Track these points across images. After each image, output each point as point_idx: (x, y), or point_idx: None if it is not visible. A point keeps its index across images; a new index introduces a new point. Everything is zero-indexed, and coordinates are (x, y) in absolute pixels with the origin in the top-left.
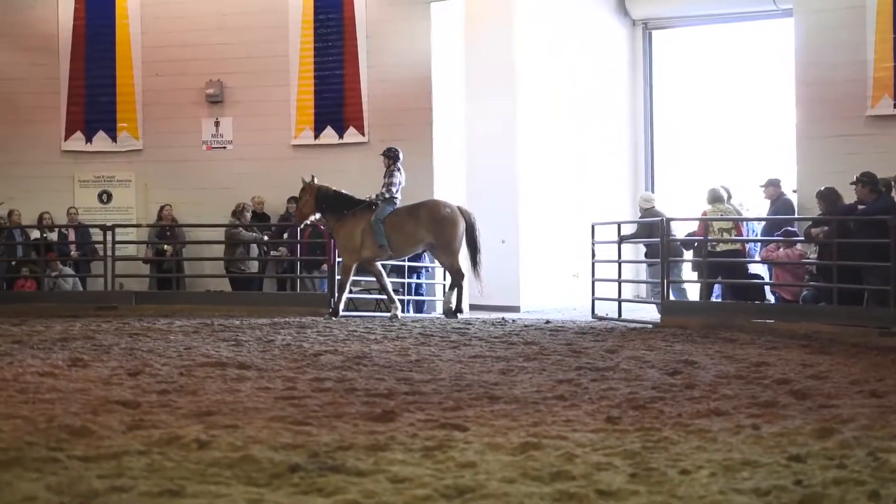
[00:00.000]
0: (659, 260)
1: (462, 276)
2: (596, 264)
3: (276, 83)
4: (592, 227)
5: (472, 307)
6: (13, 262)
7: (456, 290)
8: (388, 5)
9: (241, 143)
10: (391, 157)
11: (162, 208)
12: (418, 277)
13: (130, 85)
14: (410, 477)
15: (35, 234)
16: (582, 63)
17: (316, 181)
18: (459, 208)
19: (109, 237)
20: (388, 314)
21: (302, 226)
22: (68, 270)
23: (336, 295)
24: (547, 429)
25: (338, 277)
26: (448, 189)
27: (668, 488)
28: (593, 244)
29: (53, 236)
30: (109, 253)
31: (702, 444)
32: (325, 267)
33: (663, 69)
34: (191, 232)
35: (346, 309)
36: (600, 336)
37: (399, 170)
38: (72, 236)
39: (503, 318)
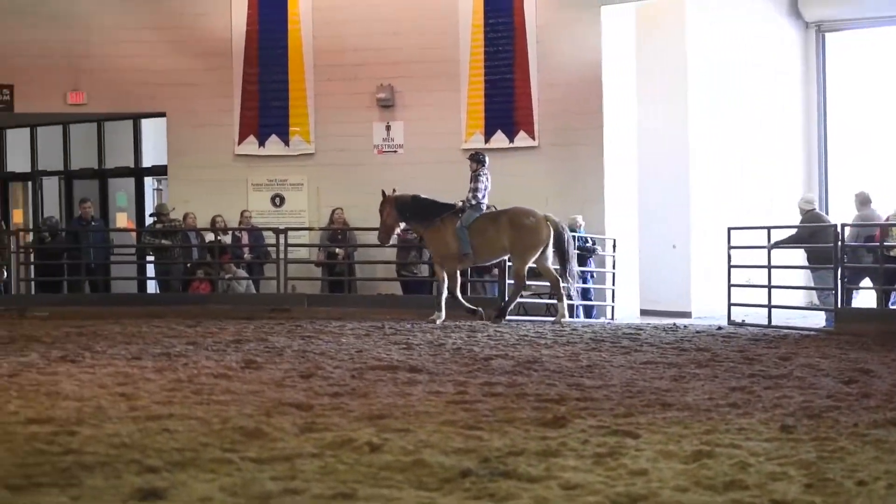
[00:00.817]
0: (829, 265)
1: (524, 285)
2: (733, 269)
3: (446, 87)
4: (728, 231)
5: (643, 312)
6: (188, 265)
7: (511, 296)
8: (559, 9)
9: (412, 146)
10: (478, 161)
11: (333, 211)
12: (586, 282)
13: (302, 90)
14: (582, 483)
15: (209, 236)
16: (753, 66)
17: (396, 192)
18: (547, 217)
19: (282, 240)
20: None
21: (390, 242)
22: (242, 273)
23: (437, 300)
24: (720, 437)
25: (437, 284)
26: (618, 193)
27: (844, 499)
28: (729, 248)
29: (227, 239)
30: (282, 256)
31: (879, 454)
32: (495, 271)
33: (837, 72)
34: (362, 235)
35: (517, 313)
36: (773, 343)
37: (485, 174)
38: (245, 239)
39: (674, 324)
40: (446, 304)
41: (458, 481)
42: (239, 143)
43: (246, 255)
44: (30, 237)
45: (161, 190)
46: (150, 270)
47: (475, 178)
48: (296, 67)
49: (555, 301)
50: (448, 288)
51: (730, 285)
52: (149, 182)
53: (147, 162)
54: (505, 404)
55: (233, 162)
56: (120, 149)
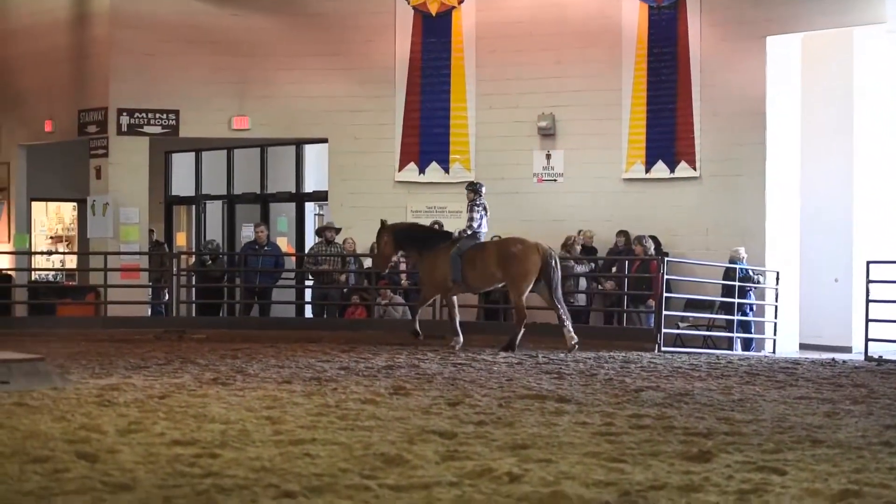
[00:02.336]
0: None
1: (523, 316)
2: (872, 303)
3: (608, 116)
4: (867, 264)
5: (803, 347)
6: (345, 290)
7: (514, 329)
8: (723, 39)
9: (572, 175)
10: (474, 191)
11: (491, 239)
12: (745, 315)
13: (464, 118)
14: None
15: (368, 262)
16: None
17: (389, 222)
18: (538, 246)
19: None
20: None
21: (386, 270)
22: (398, 299)
23: (451, 325)
24: (870, 476)
25: (449, 310)
26: (779, 225)
27: None
28: (868, 282)
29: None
30: None
31: None
32: (651, 302)
33: None
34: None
35: (672, 344)
36: None
37: (481, 204)
38: (403, 265)
39: (833, 359)
40: (455, 327)
41: None
42: (399, 170)
43: (403, 282)
44: (192, 260)
45: (322, 215)
46: (308, 295)
47: (471, 207)
48: (458, 95)
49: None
50: (415, 305)
51: (867, 320)
52: (310, 207)
53: (308, 187)
54: (651, 437)
55: (393, 189)
56: (282, 174)
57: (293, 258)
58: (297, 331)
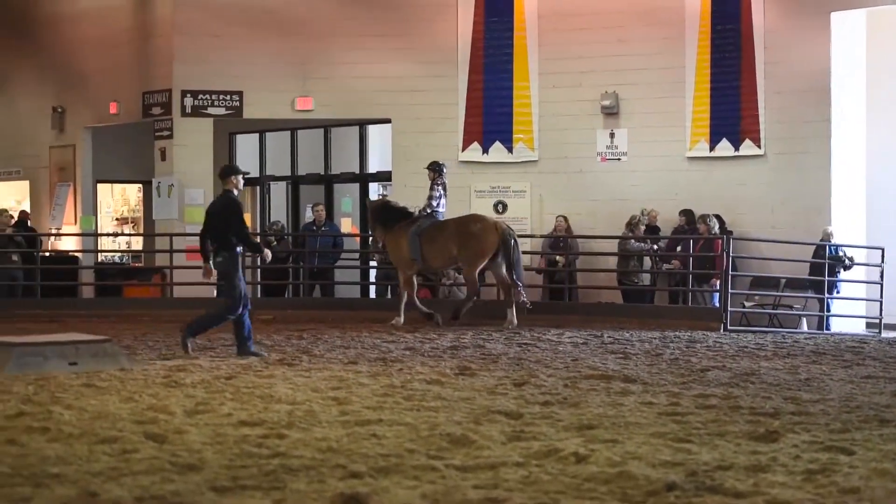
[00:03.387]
0: None
1: (476, 290)
2: None
3: (671, 94)
4: (882, 252)
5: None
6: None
7: (464, 300)
8: (787, 16)
9: (636, 154)
10: (435, 170)
11: (556, 219)
12: (831, 293)
13: (527, 97)
14: (790, 500)
15: None
16: None
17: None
18: (497, 224)
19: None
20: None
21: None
22: (462, 279)
23: (399, 307)
24: None
25: (401, 291)
26: (846, 205)
27: None
28: None
29: None
30: None
31: None
32: (715, 281)
33: None
34: (584, 243)
35: (738, 323)
36: None
37: (441, 184)
38: None
39: None
40: (406, 307)
41: (663, 495)
42: (463, 150)
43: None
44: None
45: (386, 195)
46: (373, 275)
47: (431, 186)
48: (520, 74)
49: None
50: (406, 294)
51: None
52: (374, 188)
53: (372, 168)
54: (717, 417)
55: (456, 168)
56: (346, 154)
57: (356, 239)
58: (362, 311)
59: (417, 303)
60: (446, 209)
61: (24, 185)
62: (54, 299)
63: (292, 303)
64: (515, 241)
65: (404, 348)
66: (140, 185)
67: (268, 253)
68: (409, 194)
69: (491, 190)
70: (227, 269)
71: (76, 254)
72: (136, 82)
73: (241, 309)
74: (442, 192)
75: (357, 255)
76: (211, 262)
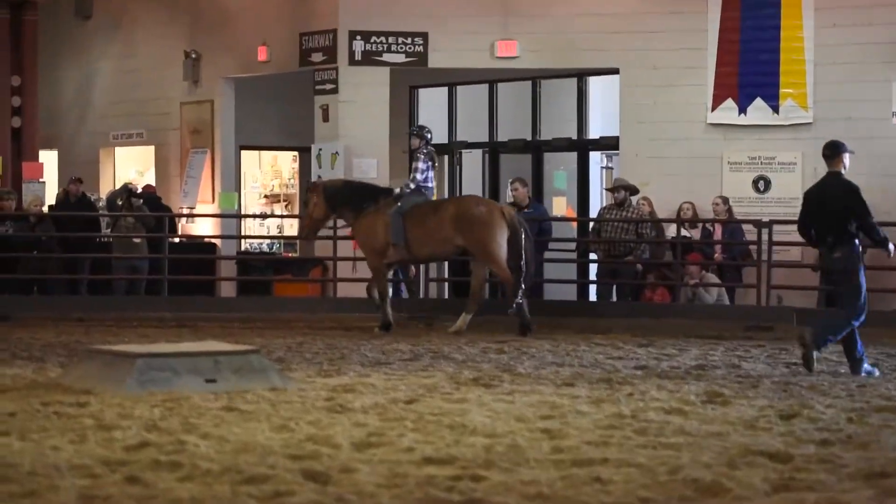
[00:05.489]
0: None
1: (518, 283)
2: None
3: None
4: None
5: None
6: (639, 266)
7: (521, 302)
8: None
9: None
10: (419, 136)
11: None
12: None
13: (799, 39)
14: None
15: (671, 230)
16: None
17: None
18: (504, 209)
19: (765, 236)
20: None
21: (310, 237)
22: (712, 278)
23: (380, 305)
24: None
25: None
26: None
27: None
28: None
29: (696, 234)
30: (765, 257)
31: None
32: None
33: None
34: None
35: None
36: None
37: (428, 153)
38: (718, 234)
39: None
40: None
41: None
42: (712, 110)
43: (717, 255)
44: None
45: (611, 168)
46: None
47: (415, 156)
48: (790, 11)
49: None
50: (377, 289)
51: None
52: (595, 158)
53: (594, 132)
54: None
55: (704, 133)
56: (559, 115)
57: (573, 224)
58: (579, 318)
59: (387, 304)
60: (435, 185)
61: (148, 152)
62: (186, 298)
63: (489, 305)
64: (526, 231)
65: (635, 367)
66: (295, 153)
67: (892, 247)
68: (642, 166)
69: (749, 162)
70: (848, 267)
71: (213, 240)
72: (292, 21)
73: (863, 317)
74: (430, 163)
75: (574, 247)
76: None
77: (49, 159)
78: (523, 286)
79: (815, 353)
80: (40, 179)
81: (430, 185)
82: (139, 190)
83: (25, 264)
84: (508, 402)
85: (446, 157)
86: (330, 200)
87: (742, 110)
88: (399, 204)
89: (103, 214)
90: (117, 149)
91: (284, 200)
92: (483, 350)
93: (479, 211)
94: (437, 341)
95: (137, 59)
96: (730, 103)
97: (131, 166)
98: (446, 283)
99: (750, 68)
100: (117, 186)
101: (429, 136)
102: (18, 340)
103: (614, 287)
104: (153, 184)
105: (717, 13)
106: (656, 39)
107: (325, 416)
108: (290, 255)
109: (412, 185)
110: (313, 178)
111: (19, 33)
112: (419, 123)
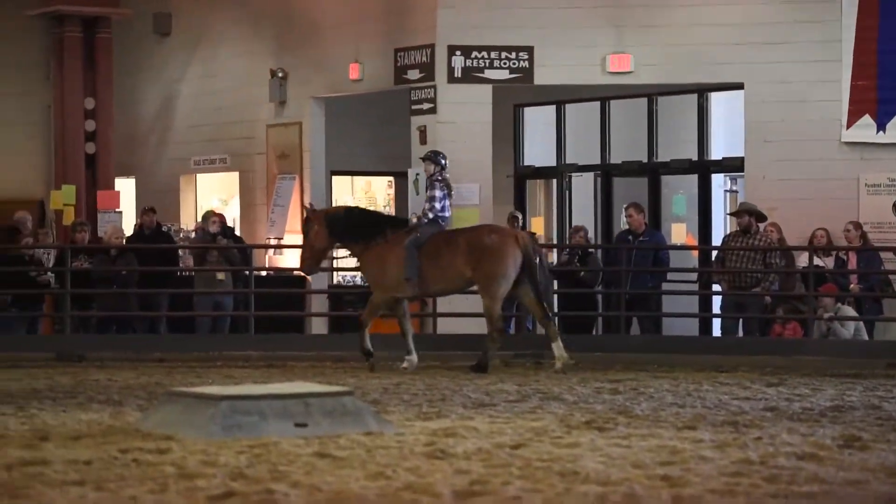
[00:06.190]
0: None
1: (500, 328)
2: None
3: None
4: None
5: None
6: (767, 299)
7: (489, 343)
8: None
9: None
10: (434, 161)
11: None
12: None
13: None
14: None
15: (803, 258)
16: None
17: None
18: (518, 236)
19: None
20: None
21: (313, 271)
22: (848, 310)
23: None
24: None
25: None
26: None
27: None
28: None
29: (829, 262)
30: None
31: None
32: None
33: None
34: None
35: None
36: None
37: (443, 180)
38: (852, 262)
39: None
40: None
41: None
42: (848, 127)
43: (853, 286)
44: (552, 255)
45: (735, 192)
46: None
47: (431, 184)
48: None
49: None
50: (362, 316)
51: None
52: (717, 181)
53: (716, 153)
54: None
55: (838, 153)
56: (678, 134)
57: (694, 253)
58: (701, 354)
59: (366, 333)
60: (451, 214)
61: (231, 179)
62: (273, 336)
63: (602, 342)
64: (542, 257)
65: (763, 408)
66: (390, 179)
67: None
68: (769, 189)
69: (890, 184)
70: None
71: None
72: (386, 36)
73: None
74: (446, 191)
75: (695, 277)
76: None
77: (126, 188)
78: (552, 315)
79: None
80: (117, 209)
81: (446, 214)
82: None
83: (103, 300)
84: (624, 447)
85: (554, 182)
86: (332, 229)
87: (881, 127)
88: (417, 235)
89: (184, 247)
90: (199, 175)
91: None
92: (596, 390)
93: (491, 240)
94: (546, 381)
95: (220, 79)
96: (867, 120)
97: (214, 194)
98: (555, 318)
99: (889, 81)
100: (199, 216)
101: (444, 161)
102: (95, 383)
103: (740, 321)
104: (235, 213)
105: (852, 21)
106: (785, 51)
107: (424, 462)
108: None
109: (430, 215)
110: (409, 205)
111: (93, 52)
112: (431, 150)
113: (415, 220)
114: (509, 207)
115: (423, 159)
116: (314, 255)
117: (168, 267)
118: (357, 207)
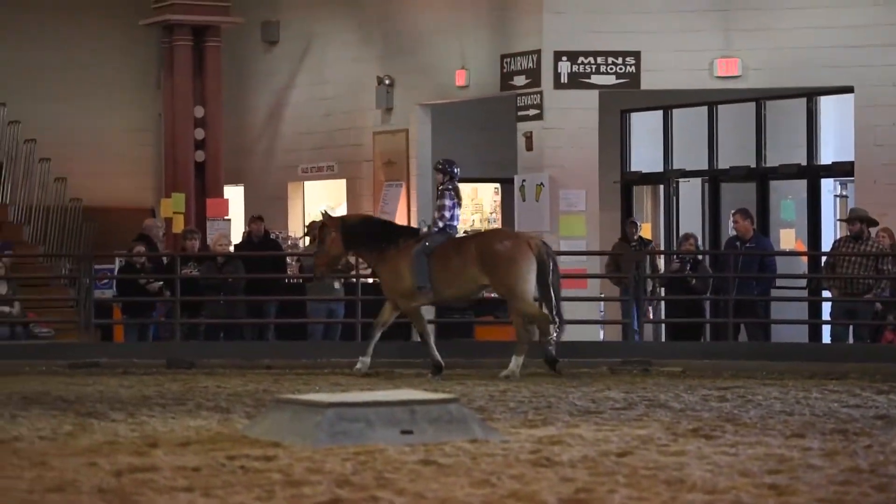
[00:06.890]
0: None
1: (548, 320)
2: None
3: None
4: None
5: None
6: (878, 305)
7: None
8: None
9: None
10: (443, 171)
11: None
12: None
13: None
14: None
15: None
16: None
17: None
18: (530, 240)
19: None
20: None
21: (326, 277)
22: None
23: (426, 348)
24: None
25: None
26: None
27: None
28: None
29: None
30: None
31: None
32: None
33: None
34: None
35: None
36: None
37: (453, 189)
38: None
39: None
40: (429, 349)
41: None
42: None
43: None
44: (661, 262)
45: (846, 197)
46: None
47: (441, 193)
48: None
49: None
50: (418, 329)
51: None
52: (827, 186)
53: (825, 157)
54: None
55: None
56: (787, 139)
57: (803, 259)
58: (811, 362)
59: (432, 345)
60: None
61: (339, 186)
62: (380, 343)
63: (709, 349)
64: (555, 262)
65: (874, 416)
66: (497, 185)
67: None
68: (882, 194)
69: None
70: None
71: None
72: (492, 42)
73: None
74: (456, 200)
75: (805, 283)
76: None
77: (235, 195)
78: (558, 321)
79: None
80: (226, 217)
81: (455, 223)
82: None
83: (212, 308)
84: (731, 455)
85: (661, 188)
86: (347, 237)
87: None
88: (425, 244)
89: (291, 254)
90: (306, 183)
91: None
92: (703, 397)
93: (503, 247)
94: (653, 388)
95: (327, 87)
96: None
97: (321, 201)
98: (662, 325)
99: None
100: (306, 224)
101: (454, 170)
102: (204, 389)
103: (850, 328)
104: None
105: None
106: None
107: (529, 470)
108: (490, 295)
109: (440, 224)
110: (516, 212)
111: (202, 60)
112: (442, 158)
113: (425, 229)
114: (616, 213)
115: (435, 169)
116: (329, 262)
117: (276, 274)
118: (372, 216)
